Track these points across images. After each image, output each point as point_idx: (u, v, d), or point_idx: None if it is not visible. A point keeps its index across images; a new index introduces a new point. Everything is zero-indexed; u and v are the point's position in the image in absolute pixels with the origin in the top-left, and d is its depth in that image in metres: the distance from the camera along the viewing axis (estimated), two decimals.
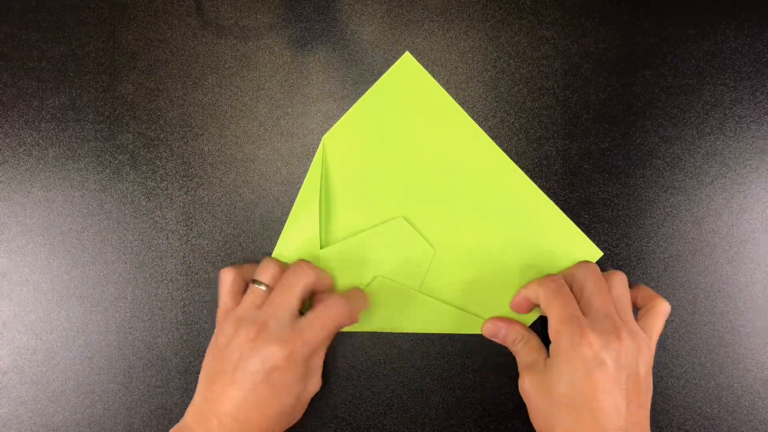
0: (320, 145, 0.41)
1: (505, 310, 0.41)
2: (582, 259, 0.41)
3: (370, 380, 0.42)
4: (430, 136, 0.41)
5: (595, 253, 0.41)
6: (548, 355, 0.37)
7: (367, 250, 0.41)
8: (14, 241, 0.42)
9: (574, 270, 0.39)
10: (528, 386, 0.37)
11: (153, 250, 0.42)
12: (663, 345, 0.42)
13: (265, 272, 0.38)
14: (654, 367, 0.41)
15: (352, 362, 0.42)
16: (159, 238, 0.42)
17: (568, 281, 0.38)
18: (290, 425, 0.38)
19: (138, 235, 0.42)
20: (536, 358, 0.38)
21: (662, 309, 0.38)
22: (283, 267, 0.39)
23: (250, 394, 0.35)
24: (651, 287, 0.42)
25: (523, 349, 0.39)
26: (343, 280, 0.41)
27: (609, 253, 0.42)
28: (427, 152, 0.41)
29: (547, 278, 0.39)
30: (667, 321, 0.41)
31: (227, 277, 0.39)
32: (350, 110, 0.41)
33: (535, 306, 0.40)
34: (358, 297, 0.40)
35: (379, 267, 0.41)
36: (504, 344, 0.41)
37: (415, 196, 0.41)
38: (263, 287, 0.37)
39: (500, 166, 0.41)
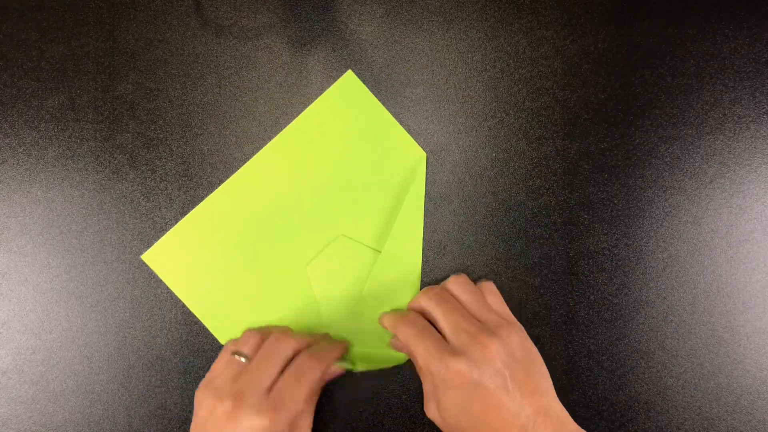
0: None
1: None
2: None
3: (370, 380, 0.42)
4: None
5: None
6: None
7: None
8: (14, 241, 0.42)
9: (419, 299, 0.40)
10: (432, 414, 0.37)
11: None
12: (662, 345, 0.42)
13: (246, 343, 0.38)
14: (653, 367, 0.42)
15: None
16: (159, 237, 0.42)
17: (419, 310, 0.40)
18: None
19: (138, 235, 0.42)
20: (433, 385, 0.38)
21: (488, 288, 0.40)
22: (264, 336, 0.39)
23: None
24: (651, 287, 0.42)
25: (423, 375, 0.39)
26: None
27: (609, 252, 0.42)
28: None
29: (402, 323, 0.39)
30: (666, 320, 0.42)
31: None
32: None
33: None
34: (326, 345, 0.39)
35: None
36: None
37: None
38: (243, 359, 0.37)
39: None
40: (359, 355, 0.42)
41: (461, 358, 0.35)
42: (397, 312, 0.40)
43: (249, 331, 0.39)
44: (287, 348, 0.38)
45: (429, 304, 0.39)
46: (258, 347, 0.38)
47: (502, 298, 0.40)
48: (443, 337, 0.37)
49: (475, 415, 0.35)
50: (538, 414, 0.35)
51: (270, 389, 0.36)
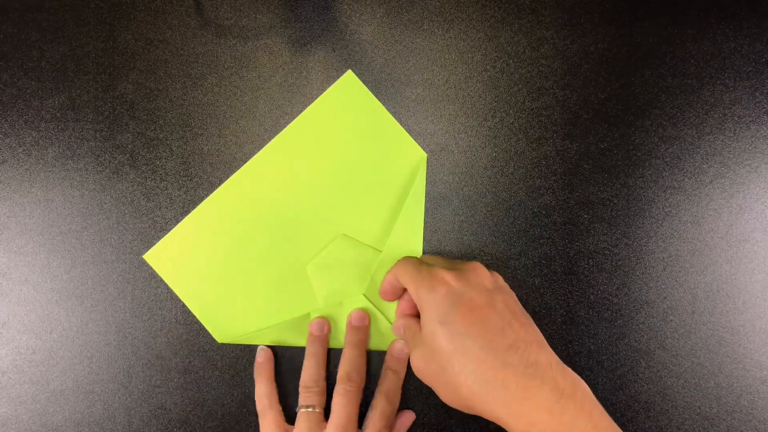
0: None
1: None
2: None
3: (370, 380, 0.42)
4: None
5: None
6: None
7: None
8: (14, 241, 0.42)
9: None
10: (416, 361, 0.35)
11: None
12: (662, 345, 0.42)
13: (310, 396, 0.39)
14: (653, 367, 0.42)
15: None
16: (159, 237, 0.42)
17: None
18: None
19: (138, 235, 0.42)
20: (418, 335, 0.36)
21: None
22: (323, 379, 0.40)
23: None
24: (651, 287, 0.42)
25: (407, 333, 0.38)
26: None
27: (609, 252, 0.42)
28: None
29: (400, 260, 0.40)
30: (666, 320, 0.42)
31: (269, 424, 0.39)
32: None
33: (401, 290, 0.39)
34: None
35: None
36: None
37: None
38: (316, 409, 0.39)
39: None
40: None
41: (451, 273, 0.35)
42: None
43: (306, 385, 0.40)
44: (356, 402, 0.39)
45: (425, 255, 0.41)
46: (322, 394, 0.40)
47: None
48: None
49: (459, 332, 0.32)
50: (531, 343, 0.32)
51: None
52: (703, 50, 0.42)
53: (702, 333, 0.42)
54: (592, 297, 0.42)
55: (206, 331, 0.42)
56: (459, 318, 0.33)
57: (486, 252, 0.42)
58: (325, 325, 0.41)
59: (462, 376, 0.32)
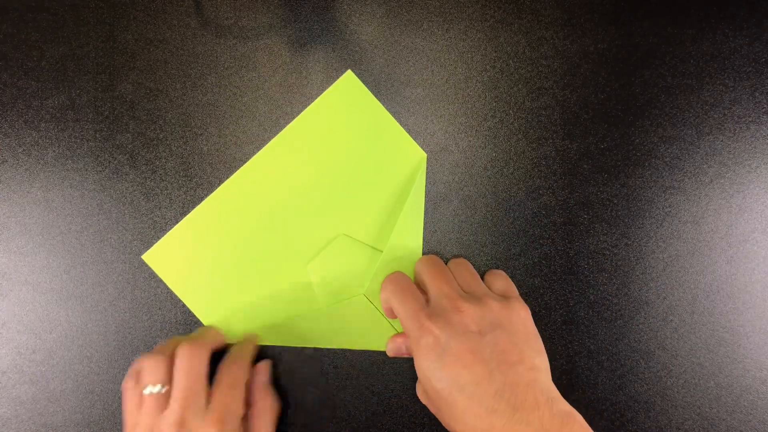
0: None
1: None
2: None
3: (370, 380, 0.42)
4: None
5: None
6: None
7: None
8: (14, 241, 0.42)
9: (415, 265, 0.40)
10: (420, 395, 0.39)
11: None
12: (662, 345, 0.42)
13: (153, 372, 0.36)
14: (653, 367, 0.42)
15: (352, 362, 0.42)
16: (159, 237, 0.42)
17: (414, 273, 0.40)
18: None
19: (138, 235, 0.42)
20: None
21: (494, 272, 0.41)
22: (167, 355, 0.37)
23: None
24: (651, 287, 0.42)
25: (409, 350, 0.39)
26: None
27: (608, 253, 0.42)
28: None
29: (387, 280, 0.39)
30: (666, 320, 0.42)
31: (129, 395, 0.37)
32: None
33: None
34: (241, 346, 0.40)
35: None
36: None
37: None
38: (157, 388, 0.36)
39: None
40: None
41: (436, 320, 0.35)
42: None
43: (146, 357, 0.37)
44: (203, 359, 0.37)
45: (420, 265, 0.40)
46: (165, 368, 0.36)
47: (509, 280, 0.41)
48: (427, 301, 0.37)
49: (446, 382, 0.33)
50: (517, 384, 0.33)
51: (205, 399, 0.36)
52: (703, 50, 0.42)
53: (702, 333, 0.42)
54: (591, 297, 0.42)
55: None
56: (446, 369, 0.34)
57: (486, 252, 0.42)
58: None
59: (453, 420, 0.34)
